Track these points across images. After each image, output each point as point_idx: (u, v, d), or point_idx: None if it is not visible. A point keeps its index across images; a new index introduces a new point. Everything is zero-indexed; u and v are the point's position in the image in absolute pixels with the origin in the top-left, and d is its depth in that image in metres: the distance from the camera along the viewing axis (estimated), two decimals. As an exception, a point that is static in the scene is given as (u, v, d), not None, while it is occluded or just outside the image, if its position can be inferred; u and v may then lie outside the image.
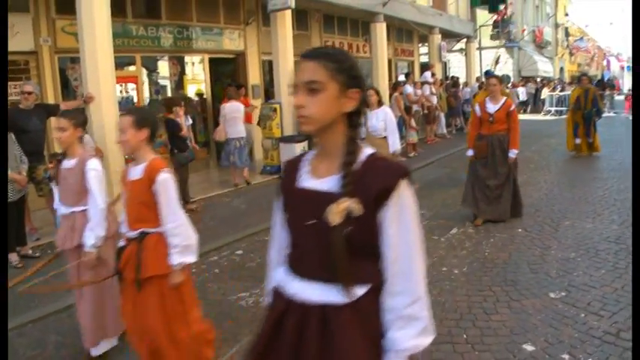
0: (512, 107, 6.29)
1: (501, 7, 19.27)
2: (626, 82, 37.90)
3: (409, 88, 12.71)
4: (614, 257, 4.90)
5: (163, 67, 10.60)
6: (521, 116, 24.03)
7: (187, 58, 10.97)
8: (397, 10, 14.00)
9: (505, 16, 20.26)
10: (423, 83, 14.32)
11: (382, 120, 6.36)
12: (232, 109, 9.07)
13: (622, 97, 28.31)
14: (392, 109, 11.86)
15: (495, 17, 20.50)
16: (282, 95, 10.32)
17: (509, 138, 6.21)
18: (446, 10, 17.75)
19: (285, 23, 10.14)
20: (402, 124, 12.02)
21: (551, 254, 5.12)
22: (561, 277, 4.50)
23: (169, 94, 10.63)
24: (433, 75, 15.22)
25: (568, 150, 11.47)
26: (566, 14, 37.69)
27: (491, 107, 6.23)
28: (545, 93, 26.56)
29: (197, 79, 11.24)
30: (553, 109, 25.67)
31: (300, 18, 13.09)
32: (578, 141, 11.07)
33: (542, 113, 25.61)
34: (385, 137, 6.37)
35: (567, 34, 39.62)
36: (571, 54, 40.41)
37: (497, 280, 4.50)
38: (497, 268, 4.81)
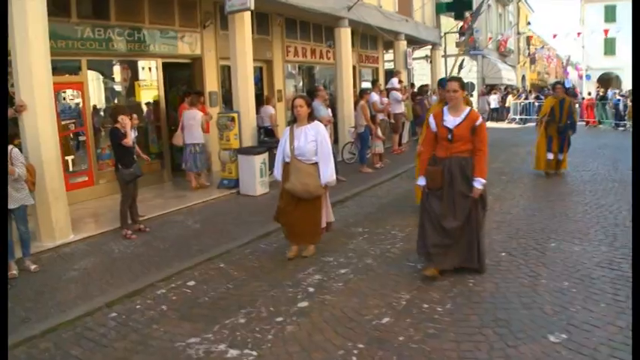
0: (479, 121, 4.68)
1: (467, 14, 19.07)
2: (584, 91, 38.49)
3: (375, 96, 12.17)
4: (611, 287, 4.41)
5: (113, 72, 9.72)
6: (488, 124, 24.00)
7: (140, 63, 10.13)
8: (363, 15, 13.49)
9: (470, 24, 20.11)
10: (389, 90, 13.83)
11: (313, 140, 5.38)
12: (189, 115, 9.35)
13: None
14: (358, 117, 11.53)
15: (462, 24, 20.32)
16: (241, 103, 9.62)
17: (473, 162, 4.67)
18: (412, 17, 17.38)
19: (244, 26, 9.44)
20: (368, 134, 11.49)
21: (541, 284, 4.60)
22: (558, 313, 3.96)
23: (117, 101, 9.77)
24: (400, 82, 14.76)
25: (536, 169, 10.21)
26: (529, 23, 38.21)
27: (451, 121, 4.69)
28: (509, 101, 26.66)
29: (150, 85, 10.41)
30: (518, 117, 25.81)
31: (261, 22, 12.45)
32: (550, 156, 9.85)
33: (507, 121, 25.69)
34: (315, 164, 5.42)
35: (528, 43, 40.19)
36: (532, 62, 40.98)
37: (488, 320, 3.92)
38: (486, 304, 4.24)
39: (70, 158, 8.61)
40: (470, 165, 4.69)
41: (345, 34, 12.95)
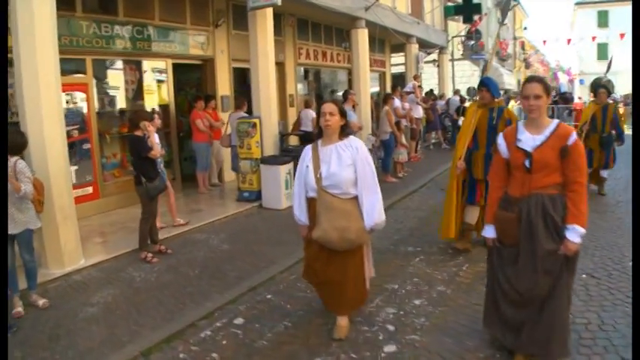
0: (573, 138, 3.11)
1: (476, 17, 18.42)
2: (575, 96, 38.32)
3: (397, 102, 11.39)
4: None
5: (119, 73, 8.78)
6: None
7: (148, 63, 9.21)
8: (379, 16, 12.74)
9: (501, 19, 19.49)
10: (407, 94, 13.07)
11: (350, 164, 3.54)
12: (236, 117, 9.11)
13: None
14: (382, 124, 10.72)
15: (470, 28, 19.70)
16: (262, 108, 8.76)
17: (565, 202, 3.12)
18: (423, 19, 16.68)
19: (265, 24, 8.59)
20: (393, 142, 10.69)
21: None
22: None
23: (124, 105, 8.84)
24: (419, 87, 14.02)
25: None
26: (525, 28, 37.91)
27: (529, 140, 3.20)
28: (512, 105, 26.08)
29: (159, 87, 9.51)
30: (521, 121, 25.19)
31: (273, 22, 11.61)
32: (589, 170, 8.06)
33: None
34: (355, 198, 3.59)
35: (523, 48, 39.88)
36: (527, 67, 40.68)
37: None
38: (601, 340, 3.42)
39: (73, 169, 7.66)
40: (559, 206, 3.12)
41: (362, 36, 12.18)
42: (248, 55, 10.05)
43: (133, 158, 5.89)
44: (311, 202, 3.65)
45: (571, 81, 50.69)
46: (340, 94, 15.26)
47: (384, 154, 10.80)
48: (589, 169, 8.13)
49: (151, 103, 9.30)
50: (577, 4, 43.32)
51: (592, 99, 9.49)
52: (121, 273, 5.46)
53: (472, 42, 20.86)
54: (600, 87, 8.80)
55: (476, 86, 20.53)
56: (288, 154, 8.72)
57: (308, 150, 3.71)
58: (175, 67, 9.42)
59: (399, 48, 17.54)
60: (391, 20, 13.67)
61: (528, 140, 3.21)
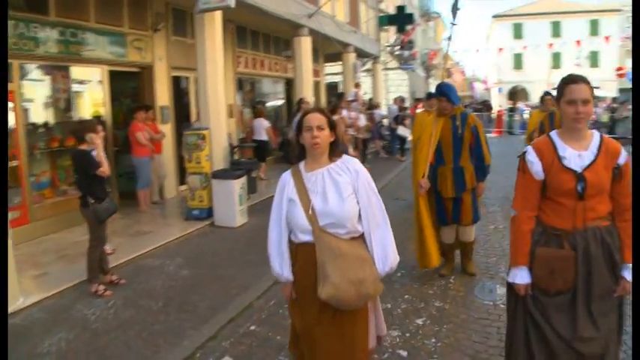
0: (624, 155, 2.59)
1: (409, 27, 18.66)
2: (493, 103, 40.16)
3: (344, 111, 11.11)
4: None
5: (47, 80, 7.82)
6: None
7: (82, 70, 8.30)
8: (321, 24, 12.44)
9: (410, 37, 19.82)
10: (351, 102, 12.84)
11: (351, 193, 2.54)
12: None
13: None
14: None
15: (402, 37, 19.93)
16: (212, 119, 8.13)
17: (618, 234, 2.61)
18: (359, 28, 16.61)
19: (214, 29, 8.00)
20: (345, 153, 10.36)
21: None
22: None
23: (54, 117, 7.89)
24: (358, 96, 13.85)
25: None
26: (449, 38, 39.25)
27: (575, 158, 2.57)
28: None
29: (94, 97, 8.63)
30: (554, 132, 25.95)
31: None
32: None
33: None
34: (361, 237, 2.58)
35: (445, 58, 41.26)
36: (449, 77, 42.13)
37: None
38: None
39: (-3, 191, 6.67)
40: (617, 240, 2.59)
41: (305, 44, 11.83)
42: (188, 62, 9.42)
43: (79, 176, 5.11)
44: (300, 249, 2.55)
45: (487, 89, 53.18)
46: (271, 103, 14.85)
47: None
48: None
49: (84, 114, 8.41)
50: (494, 17, 45.62)
51: (538, 106, 9.57)
52: (71, 312, 4.68)
53: (407, 52, 21.11)
54: (547, 94, 8.74)
55: (403, 96, 20.53)
56: (239, 167, 8.14)
57: (287, 178, 2.63)
58: (111, 74, 8.57)
59: (332, 57, 17.35)
60: (331, 28, 13.43)
61: (573, 158, 2.55)
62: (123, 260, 6.05)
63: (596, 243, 2.53)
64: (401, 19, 18.37)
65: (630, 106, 23.68)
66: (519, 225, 2.68)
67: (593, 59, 39.97)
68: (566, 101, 2.51)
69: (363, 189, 2.53)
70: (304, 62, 11.87)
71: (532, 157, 2.66)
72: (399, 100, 16.10)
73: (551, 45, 33.76)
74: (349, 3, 15.69)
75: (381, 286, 2.55)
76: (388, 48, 20.64)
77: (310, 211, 2.48)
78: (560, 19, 42.32)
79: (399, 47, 20.90)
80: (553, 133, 2.68)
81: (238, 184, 7.72)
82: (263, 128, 10.50)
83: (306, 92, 11.98)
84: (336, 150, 2.61)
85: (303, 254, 2.53)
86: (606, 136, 2.67)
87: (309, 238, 2.47)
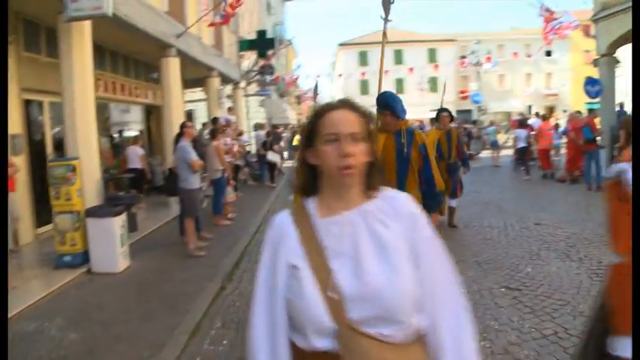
0: None
1: (269, 52, 18.57)
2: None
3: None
4: None
5: None
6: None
7: None
8: (189, 45, 11.73)
9: (271, 62, 19.75)
10: (224, 127, 12.21)
11: (405, 256, 1.41)
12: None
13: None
14: (211, 161, 9.63)
15: (262, 63, 19.74)
16: (81, 147, 7.03)
17: None
18: (223, 52, 16.08)
19: (83, 43, 6.97)
20: (225, 180, 9.74)
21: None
22: None
23: None
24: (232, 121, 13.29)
25: None
26: (299, 66, 40.15)
27: None
28: (297, 140, 27.05)
29: None
30: None
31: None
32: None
33: (283, 160, 25.84)
34: (419, 337, 1.40)
35: (295, 84, 42.21)
36: (299, 103, 43.07)
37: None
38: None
39: None
40: None
41: (174, 66, 10.99)
42: (43, 84, 8.18)
43: None
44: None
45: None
46: (132, 133, 13.61)
47: (214, 195, 9.75)
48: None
49: None
50: (340, 45, 47.88)
51: (435, 124, 8.78)
52: None
53: (268, 77, 20.97)
54: (443, 111, 8.15)
55: (260, 122, 20.22)
56: (118, 202, 7.13)
57: (286, 226, 1.51)
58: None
59: (192, 83, 16.54)
60: (198, 50, 12.73)
61: None
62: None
63: None
64: (262, 44, 18.23)
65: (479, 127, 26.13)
66: (620, 269, 1.88)
67: (433, 84, 43.85)
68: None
69: (426, 248, 1.44)
70: (173, 86, 11.00)
71: (628, 171, 1.98)
72: (273, 126, 15.88)
73: (385, 72, 36.26)
74: (214, 26, 15.12)
75: None
76: (249, 73, 20.35)
77: (332, 292, 1.35)
78: (402, 47, 45.93)
79: (258, 72, 20.70)
80: None
81: (118, 222, 6.73)
82: (137, 155, 9.50)
83: (175, 119, 11.07)
84: (376, 178, 1.53)
85: None
86: None
87: (330, 345, 1.33)
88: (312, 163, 1.49)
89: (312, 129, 1.47)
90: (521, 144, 15.13)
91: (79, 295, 5.84)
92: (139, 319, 4.97)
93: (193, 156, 7.50)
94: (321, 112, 1.48)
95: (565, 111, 19.12)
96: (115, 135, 12.63)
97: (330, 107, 1.48)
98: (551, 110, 32.12)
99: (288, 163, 22.54)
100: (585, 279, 5.56)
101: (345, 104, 1.49)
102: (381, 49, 4.11)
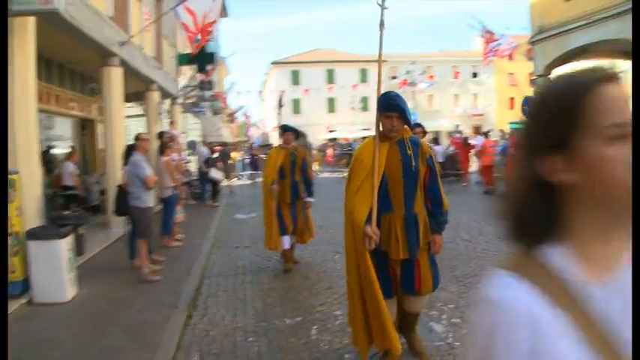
0: None
1: (209, 67, 17.95)
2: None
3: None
4: None
5: None
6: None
7: None
8: (132, 55, 11.01)
9: (210, 78, 19.09)
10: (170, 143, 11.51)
11: None
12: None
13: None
14: (162, 178, 8.93)
15: (202, 78, 19.04)
16: (21, 161, 6.23)
17: None
18: (163, 65, 15.33)
19: (26, 41, 6.22)
20: (175, 198, 9.10)
21: None
22: None
23: None
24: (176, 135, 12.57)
25: (268, 249, 7.07)
26: (232, 84, 39.45)
27: None
28: (234, 158, 26.42)
29: None
30: (245, 173, 25.87)
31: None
32: (286, 244, 6.89)
33: (236, 178, 25.28)
34: None
35: (226, 103, 41.53)
36: (231, 122, 42.36)
37: None
38: None
39: None
40: None
41: (116, 76, 10.22)
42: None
43: None
44: None
45: (265, 134, 55.08)
46: (61, 150, 12.53)
47: (164, 214, 9.06)
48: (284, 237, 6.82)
49: None
50: (273, 63, 47.69)
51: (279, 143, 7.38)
52: None
53: (207, 93, 20.25)
54: (286, 129, 7.12)
55: (194, 140, 19.55)
56: (64, 223, 6.36)
57: (536, 312, 0.81)
58: None
59: (132, 97, 15.64)
60: (140, 61, 11.99)
61: None
62: None
63: None
64: (202, 59, 17.56)
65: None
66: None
67: (365, 104, 44.52)
68: None
69: None
70: (114, 98, 10.21)
71: None
72: (223, 143, 15.26)
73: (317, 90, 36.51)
74: (156, 36, 14.39)
75: None
76: (187, 88, 19.59)
77: None
78: (334, 67, 46.49)
79: (196, 88, 19.98)
80: None
81: (65, 245, 5.98)
82: (68, 172, 8.71)
83: (118, 134, 10.31)
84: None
85: None
86: None
87: None
88: (553, 179, 0.88)
89: (570, 116, 0.85)
90: (440, 159, 16.00)
91: (21, 330, 5.04)
92: (101, 357, 4.32)
93: (148, 171, 6.88)
94: (589, 85, 0.85)
95: (490, 130, 20.14)
96: (47, 150, 11.59)
97: (606, 76, 0.86)
98: (477, 129, 33.54)
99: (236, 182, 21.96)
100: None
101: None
102: (379, 39, 3.58)
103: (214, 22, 10.31)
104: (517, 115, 41.56)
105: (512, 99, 45.68)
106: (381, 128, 3.55)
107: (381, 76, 3.71)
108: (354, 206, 3.44)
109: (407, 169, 3.47)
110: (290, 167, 6.85)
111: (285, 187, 6.82)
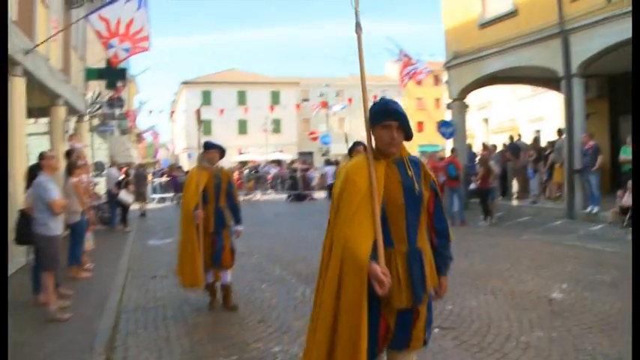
0: None
1: (120, 83, 16.96)
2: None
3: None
4: None
5: None
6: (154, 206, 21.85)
7: None
8: (37, 65, 10.03)
9: (120, 95, 18.02)
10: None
11: None
12: None
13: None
14: (71, 201, 8.00)
15: (111, 95, 17.93)
16: None
17: None
18: (70, 79, 14.21)
19: None
20: (85, 225, 8.26)
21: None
22: None
23: None
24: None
25: (185, 286, 6.30)
26: (142, 103, 37.92)
27: None
28: (149, 179, 25.13)
29: None
30: (158, 195, 24.72)
31: None
32: (210, 279, 6.30)
33: (148, 201, 23.96)
34: None
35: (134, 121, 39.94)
36: (139, 142, 40.70)
37: None
38: None
39: None
40: None
41: (19, 87, 9.19)
42: None
43: None
44: None
45: (175, 155, 53.48)
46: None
47: (72, 241, 8.15)
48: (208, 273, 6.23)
49: None
50: (183, 83, 46.51)
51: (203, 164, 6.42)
52: None
53: (117, 111, 19.08)
54: (210, 146, 6.35)
55: (102, 161, 18.45)
56: None
57: None
58: None
59: (35, 112, 14.29)
60: (45, 73, 10.96)
61: None
62: None
63: None
64: (112, 74, 16.55)
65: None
66: None
67: (277, 126, 44.43)
68: None
69: None
70: (17, 110, 9.17)
71: None
72: (139, 165, 14.31)
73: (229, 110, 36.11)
74: (63, 47, 13.31)
75: None
76: (95, 105, 18.36)
77: None
78: (246, 88, 46.20)
79: (105, 105, 18.80)
80: None
81: None
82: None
83: (18, 153, 9.21)
84: None
85: None
86: None
87: None
88: None
89: None
90: (330, 180, 16.66)
91: None
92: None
93: (55, 194, 6.10)
94: None
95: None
96: None
97: None
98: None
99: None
100: (510, 310, 5.69)
101: None
102: (358, 43, 2.91)
103: (142, 29, 9.59)
104: (426, 138, 43.64)
105: (420, 123, 47.52)
106: (373, 143, 2.81)
107: (365, 81, 2.96)
108: (349, 239, 2.61)
109: (409, 193, 2.75)
110: (214, 191, 6.15)
111: (208, 213, 6.09)
